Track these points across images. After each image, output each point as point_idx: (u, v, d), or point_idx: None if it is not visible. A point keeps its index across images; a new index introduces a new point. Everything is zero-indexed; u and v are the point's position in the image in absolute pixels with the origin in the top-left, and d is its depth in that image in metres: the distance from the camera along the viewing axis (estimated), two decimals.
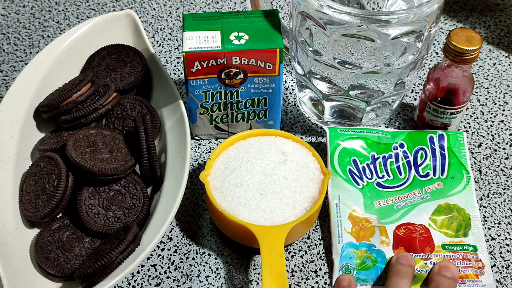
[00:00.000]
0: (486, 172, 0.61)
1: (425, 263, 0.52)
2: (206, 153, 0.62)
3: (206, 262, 0.54)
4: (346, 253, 0.52)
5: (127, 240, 0.48)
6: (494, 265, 0.54)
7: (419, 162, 0.58)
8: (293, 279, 0.53)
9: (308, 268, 0.54)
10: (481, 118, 0.66)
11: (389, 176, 0.57)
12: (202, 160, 0.62)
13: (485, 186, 0.60)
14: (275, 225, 0.50)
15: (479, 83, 0.69)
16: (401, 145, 0.58)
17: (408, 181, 0.57)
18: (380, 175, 0.57)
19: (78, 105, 0.56)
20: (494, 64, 0.72)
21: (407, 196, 0.56)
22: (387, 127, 0.65)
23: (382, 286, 0.51)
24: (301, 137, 0.63)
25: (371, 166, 0.57)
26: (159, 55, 0.72)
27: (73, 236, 0.52)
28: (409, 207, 0.55)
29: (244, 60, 0.55)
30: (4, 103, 0.56)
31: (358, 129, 0.60)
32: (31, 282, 0.49)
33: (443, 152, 0.58)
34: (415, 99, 0.68)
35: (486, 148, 0.63)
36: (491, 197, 0.59)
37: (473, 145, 0.63)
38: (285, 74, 0.70)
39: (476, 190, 0.59)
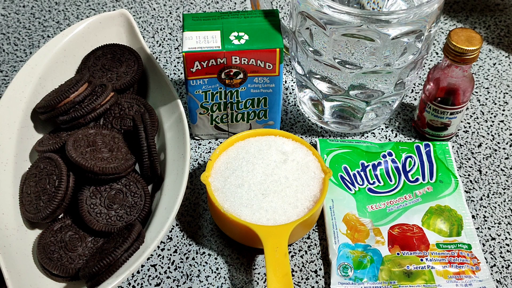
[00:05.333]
0: (486, 172, 0.61)
1: (421, 260, 0.52)
2: (206, 153, 0.62)
3: (206, 262, 0.54)
4: (343, 253, 0.53)
5: (132, 238, 0.48)
6: (494, 265, 0.54)
7: (407, 168, 0.59)
8: (293, 279, 0.53)
9: (308, 268, 0.54)
10: (481, 118, 0.66)
11: (379, 182, 0.58)
12: (202, 160, 0.62)
13: (485, 186, 0.60)
14: (278, 225, 0.50)
15: (479, 83, 0.69)
16: (389, 154, 0.60)
17: (399, 187, 0.58)
18: (371, 181, 0.58)
19: (75, 105, 0.56)
20: (494, 64, 0.72)
21: (398, 200, 0.57)
22: (387, 127, 0.65)
23: (379, 284, 0.51)
24: (301, 137, 0.63)
25: (362, 173, 0.58)
26: (159, 55, 0.72)
27: (75, 236, 0.52)
28: (401, 210, 0.56)
29: (244, 60, 0.55)
30: (0, 105, 0.56)
31: (347, 140, 0.61)
32: (35, 283, 0.49)
33: (431, 159, 0.59)
34: (415, 99, 0.68)
35: (486, 148, 0.63)
36: (491, 197, 0.59)
37: (473, 145, 0.63)
38: (285, 74, 0.70)
39: (476, 190, 0.59)
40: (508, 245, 0.55)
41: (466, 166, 0.61)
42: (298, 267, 0.54)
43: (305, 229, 0.54)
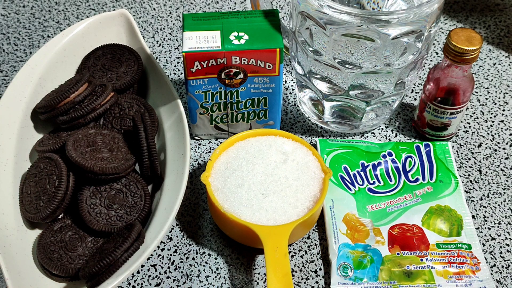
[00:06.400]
0: (486, 172, 0.61)
1: (421, 260, 0.52)
2: (206, 153, 0.62)
3: (206, 262, 0.54)
4: (343, 253, 0.53)
5: (131, 238, 0.48)
6: (494, 265, 0.54)
7: (407, 168, 0.59)
8: (293, 279, 0.53)
9: (308, 268, 0.54)
10: (481, 118, 0.66)
11: (379, 182, 0.58)
12: (202, 160, 0.62)
13: (485, 186, 0.60)
14: (278, 225, 0.50)
15: (479, 83, 0.69)
16: (389, 154, 0.60)
17: (399, 187, 0.58)
18: (371, 181, 0.58)
19: (75, 105, 0.56)
20: (494, 64, 0.72)
21: (398, 200, 0.57)
22: (387, 127, 0.65)
23: (379, 284, 0.51)
24: (301, 137, 0.63)
25: (362, 173, 0.58)
26: (159, 55, 0.72)
27: (75, 236, 0.52)
28: (401, 210, 0.56)
29: (244, 60, 0.55)
30: (0, 105, 0.56)
31: (347, 140, 0.61)
32: (35, 283, 0.49)
33: (431, 159, 0.59)
34: (415, 99, 0.68)
35: (486, 148, 0.63)
36: (491, 197, 0.59)
37: (473, 145, 0.63)
38: (285, 74, 0.70)
39: (476, 190, 0.59)
40: (508, 245, 0.55)
41: (466, 166, 0.61)
42: (298, 267, 0.54)
43: (305, 229, 0.54)
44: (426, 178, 0.58)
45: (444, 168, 0.59)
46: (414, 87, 0.69)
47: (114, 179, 0.53)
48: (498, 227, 0.57)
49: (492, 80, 0.70)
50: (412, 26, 0.52)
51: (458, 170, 0.61)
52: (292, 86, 0.69)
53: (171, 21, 0.76)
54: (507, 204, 0.58)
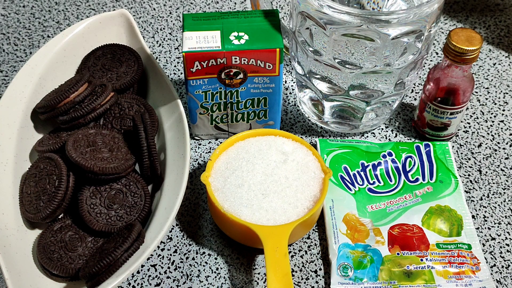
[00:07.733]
0: (486, 172, 0.61)
1: (421, 260, 0.52)
2: (206, 153, 0.62)
3: (206, 262, 0.54)
4: (343, 253, 0.53)
5: (132, 238, 0.48)
6: (494, 265, 0.54)
7: (407, 168, 0.59)
8: (293, 279, 0.53)
9: (308, 268, 0.54)
10: (481, 118, 0.66)
11: (379, 182, 0.58)
12: (202, 160, 0.62)
13: (485, 186, 0.60)
14: (278, 225, 0.50)
15: (479, 83, 0.69)
16: (389, 154, 0.60)
17: (399, 187, 0.58)
18: (371, 181, 0.58)
19: (76, 105, 0.56)
20: (494, 64, 0.72)
21: (398, 200, 0.57)
22: (387, 127, 0.65)
23: (379, 284, 0.51)
24: (301, 137, 0.63)
25: (362, 173, 0.58)
26: (159, 55, 0.72)
27: (75, 236, 0.52)
28: (401, 210, 0.56)
29: (244, 60, 0.55)
30: (0, 105, 0.56)
31: (347, 140, 0.61)
32: (35, 283, 0.49)
33: (431, 159, 0.59)
34: (415, 99, 0.68)
35: (486, 148, 0.63)
36: (491, 197, 0.59)
37: (473, 145, 0.63)
38: (285, 74, 0.70)
39: (476, 190, 0.59)
40: (508, 245, 0.55)
41: (466, 166, 0.61)
42: (298, 267, 0.54)
43: (305, 229, 0.54)
44: (426, 178, 0.58)
45: (444, 168, 0.59)
46: (414, 87, 0.69)
47: (114, 179, 0.53)
48: (498, 227, 0.57)
49: (492, 80, 0.70)
50: (412, 26, 0.52)
51: (458, 170, 0.61)
52: (292, 86, 0.69)
53: (171, 21, 0.76)
54: (507, 204, 0.58)
